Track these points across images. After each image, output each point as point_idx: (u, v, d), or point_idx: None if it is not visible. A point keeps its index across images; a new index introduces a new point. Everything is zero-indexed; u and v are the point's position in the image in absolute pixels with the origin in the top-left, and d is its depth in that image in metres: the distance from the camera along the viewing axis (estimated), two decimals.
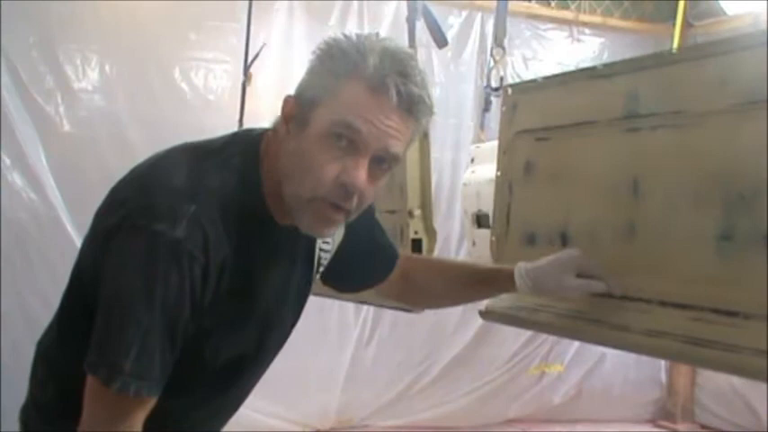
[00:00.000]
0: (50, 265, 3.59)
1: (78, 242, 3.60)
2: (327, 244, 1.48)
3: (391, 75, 1.18)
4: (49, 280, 3.51)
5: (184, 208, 1.17)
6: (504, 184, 1.68)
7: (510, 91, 1.70)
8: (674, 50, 1.41)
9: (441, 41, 2.73)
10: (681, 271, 1.30)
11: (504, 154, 1.68)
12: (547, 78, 1.66)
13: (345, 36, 1.23)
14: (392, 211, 2.05)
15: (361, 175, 1.20)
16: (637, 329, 1.32)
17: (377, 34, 1.25)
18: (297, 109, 1.24)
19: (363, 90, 1.18)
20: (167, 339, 1.18)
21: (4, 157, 3.63)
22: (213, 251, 1.19)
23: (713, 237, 1.26)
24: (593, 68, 1.53)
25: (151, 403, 1.20)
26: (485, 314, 1.65)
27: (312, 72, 1.24)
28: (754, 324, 1.18)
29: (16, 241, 3.63)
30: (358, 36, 1.23)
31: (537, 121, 1.63)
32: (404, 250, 2.01)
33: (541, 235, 1.56)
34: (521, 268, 1.48)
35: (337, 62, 1.20)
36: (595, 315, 1.40)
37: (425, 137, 2.03)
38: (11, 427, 1.41)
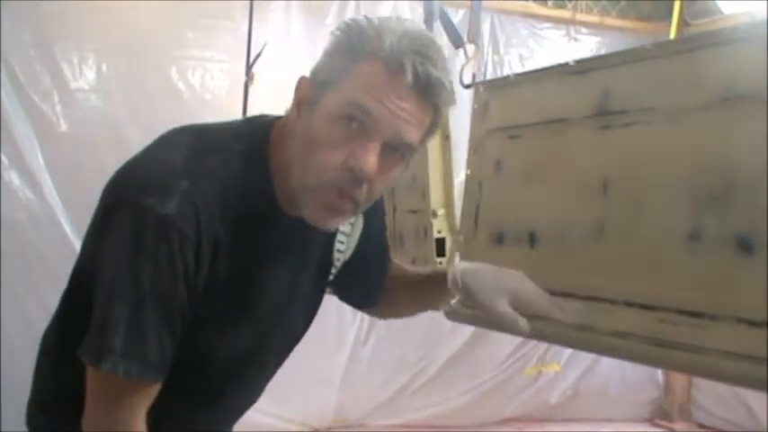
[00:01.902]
0: (48, 265, 3.59)
1: (76, 241, 3.63)
2: (342, 244, 1.42)
3: (408, 54, 1.11)
4: (47, 279, 3.52)
5: (177, 183, 1.14)
6: (474, 183, 1.65)
7: (482, 88, 1.68)
8: (647, 46, 1.38)
9: (457, 41, 2.74)
10: (648, 271, 1.28)
11: (475, 152, 1.66)
12: (519, 75, 1.63)
13: (366, 17, 1.17)
14: (415, 211, 2.05)
15: (370, 160, 1.13)
16: (602, 330, 1.30)
17: (398, 17, 1.19)
18: (309, 91, 1.19)
19: (378, 70, 1.12)
20: (163, 322, 1.15)
21: (1, 156, 3.64)
22: (205, 231, 1.15)
23: (681, 237, 1.24)
24: (565, 65, 1.50)
25: (151, 390, 1.18)
26: (449, 313, 1.63)
27: (327, 53, 1.19)
28: (720, 325, 1.16)
29: (13, 241, 3.63)
30: (379, 18, 1.16)
31: (509, 119, 1.60)
32: (428, 250, 2.01)
33: (510, 234, 1.53)
34: (456, 269, 1.39)
35: (354, 42, 1.15)
36: None
37: (447, 138, 2.03)
38: (11, 427, 1.41)
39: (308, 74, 1.23)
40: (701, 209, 1.23)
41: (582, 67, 1.48)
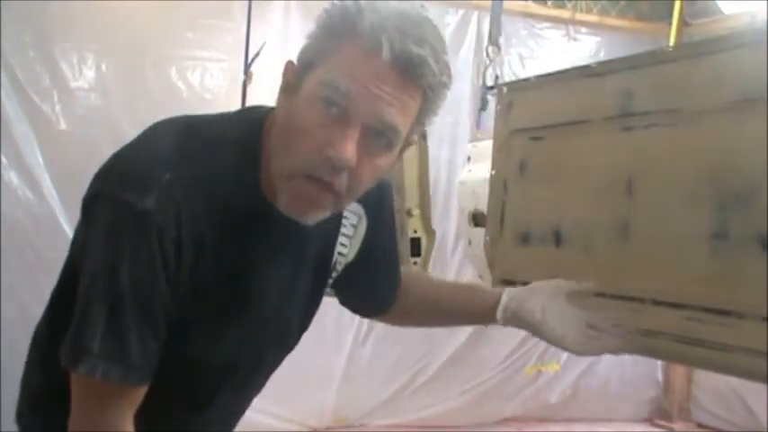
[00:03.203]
0: (47, 264, 3.57)
1: None
2: (344, 247, 1.36)
3: (388, 31, 1.03)
4: (46, 278, 3.46)
5: (157, 177, 1.07)
6: (499, 184, 1.66)
7: (505, 90, 1.68)
8: (669, 48, 1.39)
9: None
10: (675, 270, 1.29)
11: (499, 153, 1.67)
12: (542, 77, 1.63)
13: None
14: None
15: (348, 147, 1.05)
16: (629, 329, 1.31)
17: None
18: (294, 75, 1.12)
19: (357, 49, 1.05)
20: (144, 322, 1.09)
21: (1, 156, 3.63)
22: (187, 226, 1.09)
23: (707, 236, 1.25)
24: (587, 67, 1.51)
25: (136, 392, 1.13)
26: None
27: (311, 35, 1.11)
28: (748, 323, 1.17)
29: (13, 240, 3.62)
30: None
31: (532, 120, 1.61)
32: (403, 249, 1.99)
33: (535, 234, 1.54)
34: (505, 299, 1.38)
35: (335, 21, 1.08)
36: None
37: (423, 137, 2.01)
38: (10, 427, 1.40)
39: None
40: (724, 208, 1.24)
41: (603, 69, 1.48)
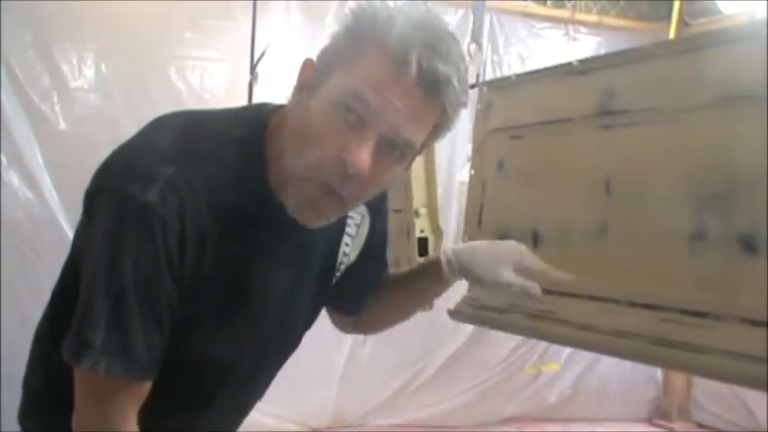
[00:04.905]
0: (47, 264, 3.57)
1: None
2: (348, 246, 1.36)
3: (416, 46, 1.02)
4: (46, 279, 3.46)
5: (161, 169, 1.07)
6: (477, 183, 1.65)
7: (485, 88, 1.67)
8: (650, 46, 1.38)
9: None
10: (651, 271, 1.28)
11: (478, 152, 1.66)
12: (522, 75, 1.62)
13: (381, 1, 1.08)
14: (398, 211, 2.03)
15: (363, 154, 1.04)
16: (604, 330, 1.30)
17: (416, 3, 1.10)
18: (312, 74, 1.11)
19: (383, 60, 1.04)
20: (148, 316, 1.09)
21: (0, 156, 3.64)
22: (190, 220, 1.08)
23: (685, 237, 1.24)
24: (568, 65, 1.49)
25: (140, 388, 1.12)
26: (453, 314, 1.63)
27: (335, 36, 1.10)
28: (723, 325, 1.17)
29: (12, 240, 3.63)
30: (395, 3, 1.08)
31: (511, 119, 1.60)
32: (410, 249, 2.00)
33: (513, 234, 1.52)
34: (447, 250, 1.33)
35: (363, 26, 1.07)
36: (564, 315, 1.38)
37: None
38: (10, 427, 1.40)
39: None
40: (703, 208, 1.23)
41: (584, 67, 1.47)
